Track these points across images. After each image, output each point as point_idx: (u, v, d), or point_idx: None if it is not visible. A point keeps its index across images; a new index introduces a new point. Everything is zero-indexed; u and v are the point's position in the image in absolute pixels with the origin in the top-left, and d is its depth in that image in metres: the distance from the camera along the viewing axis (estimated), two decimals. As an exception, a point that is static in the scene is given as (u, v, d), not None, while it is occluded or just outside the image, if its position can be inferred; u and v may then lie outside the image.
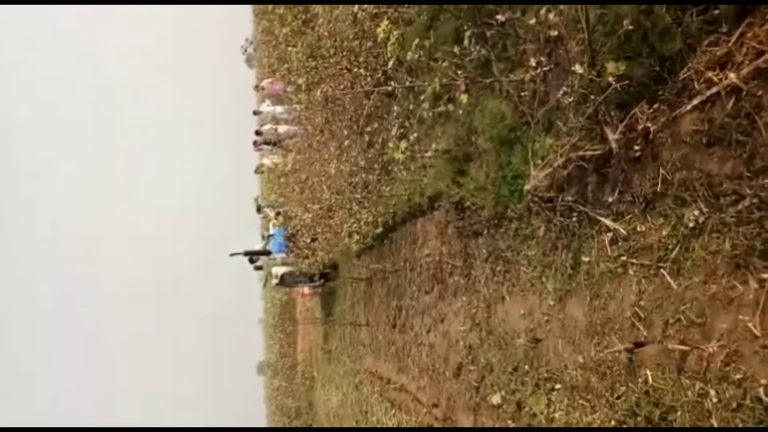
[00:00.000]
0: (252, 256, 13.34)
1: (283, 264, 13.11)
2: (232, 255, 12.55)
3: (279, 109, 13.54)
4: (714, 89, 2.35)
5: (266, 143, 14.63)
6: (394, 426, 7.62)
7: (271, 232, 13.05)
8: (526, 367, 4.14)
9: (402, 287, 7.44)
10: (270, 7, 8.47)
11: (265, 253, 13.05)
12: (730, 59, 2.32)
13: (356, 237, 7.60)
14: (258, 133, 14.63)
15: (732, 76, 2.25)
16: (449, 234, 5.71)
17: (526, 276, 4.16)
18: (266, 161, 15.51)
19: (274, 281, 13.22)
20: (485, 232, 4.83)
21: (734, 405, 2.32)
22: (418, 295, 6.84)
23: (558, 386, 3.72)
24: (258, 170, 17.31)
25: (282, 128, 13.51)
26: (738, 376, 2.31)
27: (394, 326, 7.92)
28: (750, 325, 2.26)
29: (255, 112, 14.63)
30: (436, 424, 6.03)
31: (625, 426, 3.00)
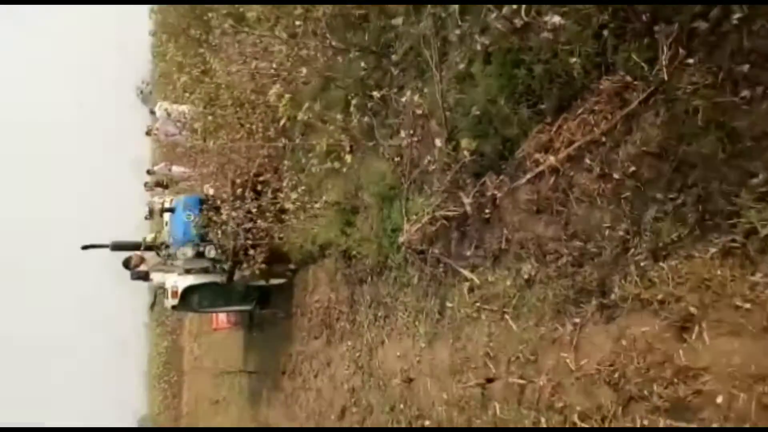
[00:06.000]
0: (125, 250, 7.75)
1: (190, 268, 7.64)
2: (86, 247, 7.19)
3: (172, 107, 9.63)
4: (540, 168, 2.92)
5: (158, 185, 14.20)
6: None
7: (170, 204, 7.64)
8: (401, 406, 4.48)
9: (293, 333, 7.58)
10: (168, 55, 8.61)
11: (153, 247, 7.72)
12: (551, 145, 2.90)
13: (250, 282, 7.65)
14: (150, 172, 14.18)
15: (551, 158, 2.83)
16: (338, 281, 6.02)
17: (402, 320, 4.55)
18: (156, 203, 14.88)
19: (170, 302, 7.73)
20: (369, 279, 5.20)
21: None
22: (308, 341, 7.01)
23: (427, 422, 4.08)
24: (147, 217, 16.55)
25: (176, 169, 13.24)
26: (560, 405, 2.79)
27: (284, 372, 7.98)
28: (568, 360, 2.76)
29: (152, 111, 10.93)
30: (320, 470, 6.16)
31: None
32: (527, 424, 3.02)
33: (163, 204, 7.88)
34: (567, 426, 2.73)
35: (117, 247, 7.45)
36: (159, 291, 8.53)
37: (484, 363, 3.40)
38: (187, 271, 7.65)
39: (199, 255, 7.21)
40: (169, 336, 23.38)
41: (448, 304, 3.84)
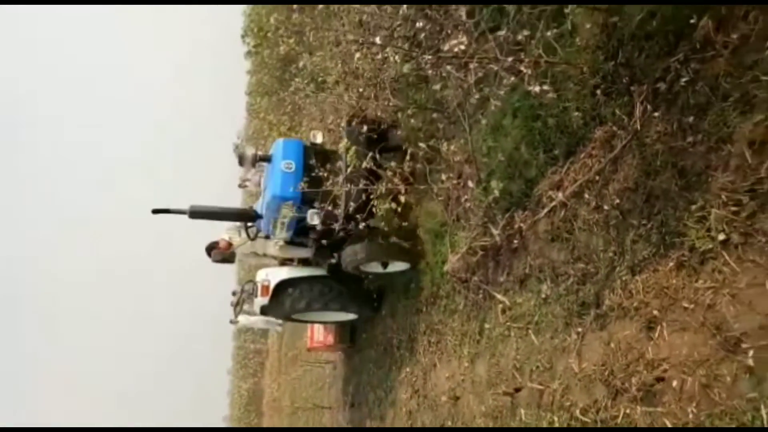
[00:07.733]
0: (207, 218, 5.98)
1: (283, 255, 6.26)
2: (157, 211, 5.66)
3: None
4: (553, 204, 3.49)
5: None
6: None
7: (269, 151, 6.09)
8: (449, 423, 4.96)
9: (361, 365, 8.18)
10: (261, 114, 9.92)
11: (243, 216, 6.20)
12: (561, 184, 3.48)
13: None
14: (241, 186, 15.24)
15: (560, 195, 3.40)
16: (399, 312, 6.64)
17: (450, 344, 5.09)
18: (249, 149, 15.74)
19: (258, 301, 6.39)
20: (424, 309, 5.79)
21: (566, 425, 3.23)
22: (374, 371, 7.60)
23: (470, 436, 4.54)
24: (242, 182, 17.56)
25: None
26: (568, 404, 3.24)
27: (352, 405, 8.55)
28: (573, 365, 3.23)
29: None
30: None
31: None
32: (544, 424, 3.46)
33: (256, 152, 6.04)
34: (573, 422, 3.17)
35: (197, 213, 5.74)
36: (240, 294, 6.96)
37: (512, 375, 3.89)
38: (283, 254, 6.16)
39: (301, 232, 5.64)
40: (251, 378, 24.44)
41: (486, 326, 4.37)
